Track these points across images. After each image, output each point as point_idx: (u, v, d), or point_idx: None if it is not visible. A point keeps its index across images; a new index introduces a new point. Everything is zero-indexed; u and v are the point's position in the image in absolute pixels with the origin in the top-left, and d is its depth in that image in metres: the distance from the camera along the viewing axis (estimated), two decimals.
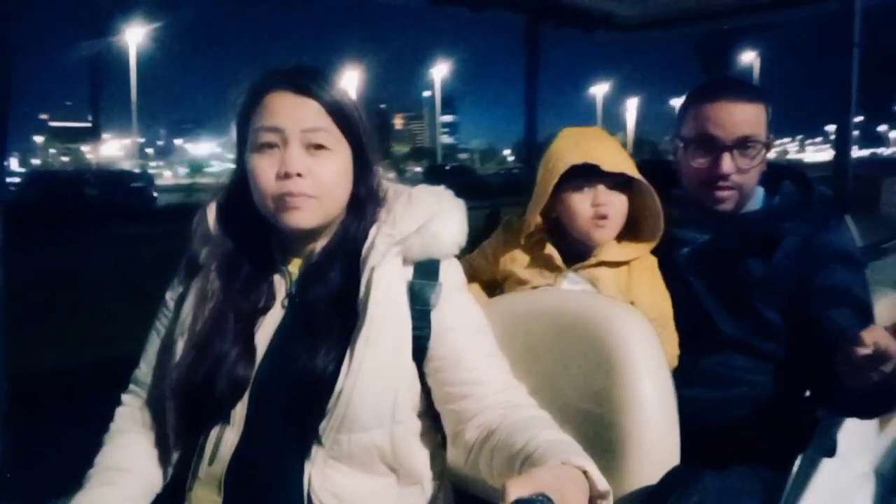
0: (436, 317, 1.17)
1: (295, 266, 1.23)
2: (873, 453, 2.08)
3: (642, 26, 3.01)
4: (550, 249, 1.59)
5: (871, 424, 2.03)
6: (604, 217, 1.55)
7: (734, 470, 1.49)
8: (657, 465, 1.24)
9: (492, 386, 1.16)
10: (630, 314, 1.36)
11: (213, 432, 1.17)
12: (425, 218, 1.19)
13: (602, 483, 0.92)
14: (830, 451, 1.65)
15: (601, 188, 1.55)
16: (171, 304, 1.29)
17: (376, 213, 1.21)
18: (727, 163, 1.54)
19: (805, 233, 1.56)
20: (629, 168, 1.54)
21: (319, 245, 1.22)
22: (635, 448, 1.25)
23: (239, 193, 1.21)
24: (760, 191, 1.66)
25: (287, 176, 1.13)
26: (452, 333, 1.17)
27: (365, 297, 1.13)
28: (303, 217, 1.15)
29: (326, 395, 1.10)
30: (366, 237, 1.19)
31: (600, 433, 1.28)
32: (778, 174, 1.68)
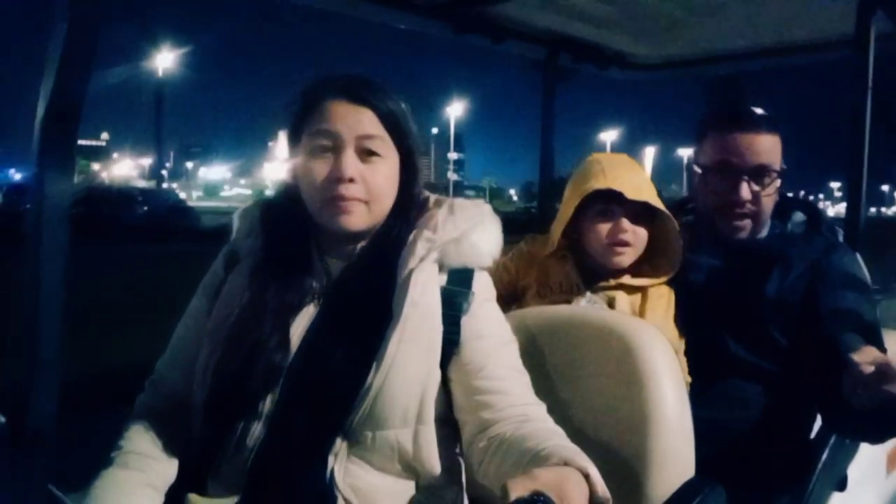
0: (466, 323, 1.19)
1: (333, 265, 1.26)
2: (882, 493, 2.07)
3: (656, 66, 3.05)
4: (570, 268, 1.63)
5: (881, 463, 2.03)
6: (624, 244, 1.59)
7: (749, 486, 1.50)
8: (674, 477, 1.26)
9: (511, 398, 1.17)
10: (648, 330, 1.40)
11: (240, 423, 1.17)
12: (466, 227, 1.23)
13: (602, 488, 0.93)
14: (841, 485, 1.65)
15: (623, 216, 1.59)
16: (205, 295, 1.31)
17: (417, 218, 1.25)
18: (745, 190, 1.60)
19: (814, 258, 1.61)
20: (652, 198, 1.58)
21: (359, 246, 1.25)
22: (653, 460, 1.27)
23: (289, 194, 1.26)
24: (773, 222, 1.72)
25: (340, 180, 1.17)
26: (480, 342, 1.19)
27: (401, 297, 1.16)
28: (352, 220, 1.19)
29: (355, 390, 1.12)
30: (405, 241, 1.22)
31: (618, 446, 1.30)
32: (788, 205, 1.75)
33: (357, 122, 1.19)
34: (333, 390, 1.14)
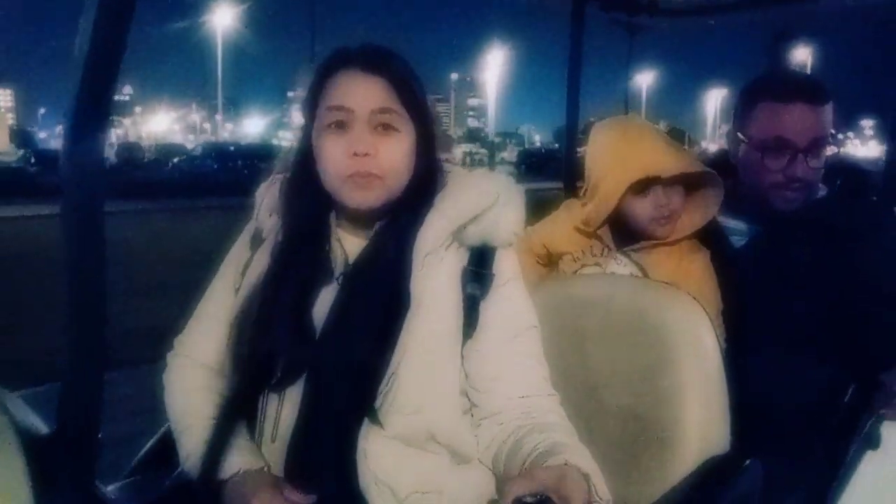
0: (484, 308, 1.18)
1: (352, 244, 1.24)
2: None
3: (688, 12, 2.95)
4: (603, 230, 1.61)
5: None
6: (666, 217, 1.57)
7: (785, 460, 1.50)
8: (705, 451, 1.25)
9: (519, 389, 1.17)
10: (684, 300, 1.37)
11: (272, 406, 1.19)
12: (485, 204, 1.19)
13: (602, 487, 0.94)
14: (875, 444, 1.64)
15: (660, 190, 1.56)
16: (230, 273, 1.31)
17: (435, 195, 1.22)
18: (802, 166, 1.54)
19: (860, 227, 1.56)
20: (687, 164, 1.55)
21: (378, 225, 1.23)
22: (687, 432, 1.26)
23: (304, 170, 1.23)
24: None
25: (355, 155, 1.14)
26: (497, 328, 1.18)
27: (420, 279, 1.14)
28: (369, 196, 1.17)
29: (380, 374, 1.11)
30: (423, 219, 1.19)
31: (653, 417, 1.29)
32: (834, 167, 1.70)
33: (371, 94, 1.17)
34: (358, 375, 1.14)
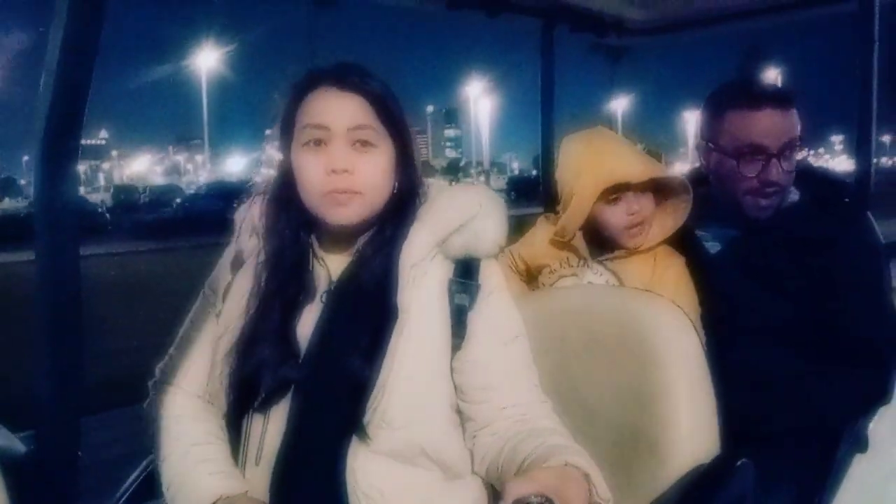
0: (472, 318, 1.17)
1: (334, 262, 1.23)
2: None
3: (654, 30, 3.00)
4: (578, 240, 1.63)
5: None
6: (639, 224, 1.60)
7: (774, 461, 1.49)
8: (696, 456, 1.23)
9: (512, 397, 1.16)
10: (665, 306, 1.37)
11: (257, 427, 1.17)
12: (468, 216, 1.19)
13: (602, 487, 0.93)
14: (863, 447, 1.65)
15: (630, 197, 1.59)
16: (213, 295, 1.30)
17: (417, 208, 1.22)
18: (776, 171, 1.57)
19: (833, 227, 1.59)
20: (655, 171, 1.59)
21: (361, 241, 1.22)
22: (677, 437, 1.25)
23: (284, 189, 1.23)
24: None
25: (333, 172, 1.14)
26: (485, 338, 1.17)
27: (405, 293, 1.14)
28: (348, 213, 1.17)
29: (367, 391, 1.10)
30: (406, 233, 1.19)
31: (641, 424, 1.29)
32: (804, 171, 1.71)
33: (347, 111, 1.17)
34: (345, 392, 1.13)
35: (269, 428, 1.16)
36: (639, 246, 1.63)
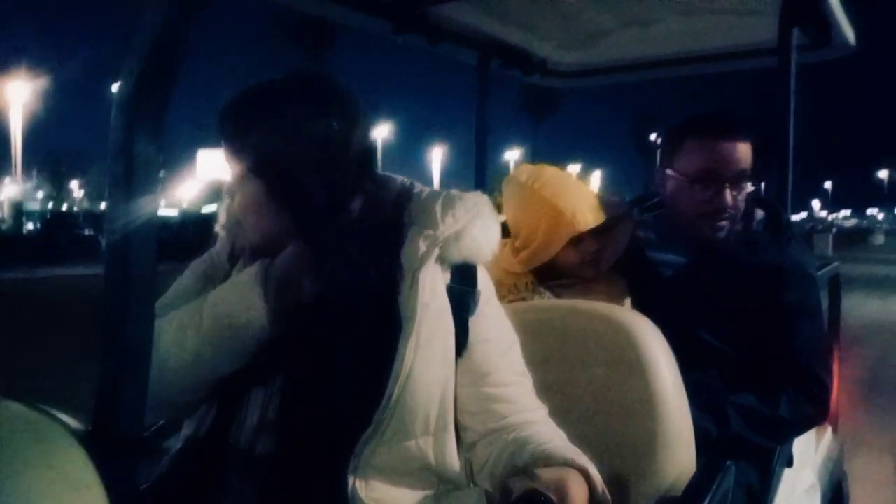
0: (473, 325, 1.14)
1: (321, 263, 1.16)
2: (814, 465, 2.22)
3: (579, 74, 3.10)
4: (526, 272, 1.66)
5: (811, 438, 2.20)
6: (593, 259, 1.69)
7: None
8: (680, 462, 1.28)
9: (514, 406, 1.14)
10: (641, 319, 1.41)
11: (249, 433, 1.10)
12: (466, 220, 1.16)
13: (602, 487, 0.94)
14: (789, 462, 1.79)
15: (588, 239, 1.68)
16: (203, 279, 1.23)
17: (408, 212, 1.18)
18: (729, 197, 1.67)
19: (775, 254, 1.72)
20: (604, 213, 1.69)
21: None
22: (661, 444, 1.29)
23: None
24: None
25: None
26: (487, 345, 1.15)
27: (410, 299, 1.09)
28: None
29: (373, 404, 1.05)
30: (402, 237, 1.15)
31: (625, 431, 1.32)
32: (753, 202, 1.84)
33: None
34: (348, 404, 1.08)
35: (263, 434, 1.10)
36: (596, 275, 1.71)
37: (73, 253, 20.90)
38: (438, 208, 1.18)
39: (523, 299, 1.67)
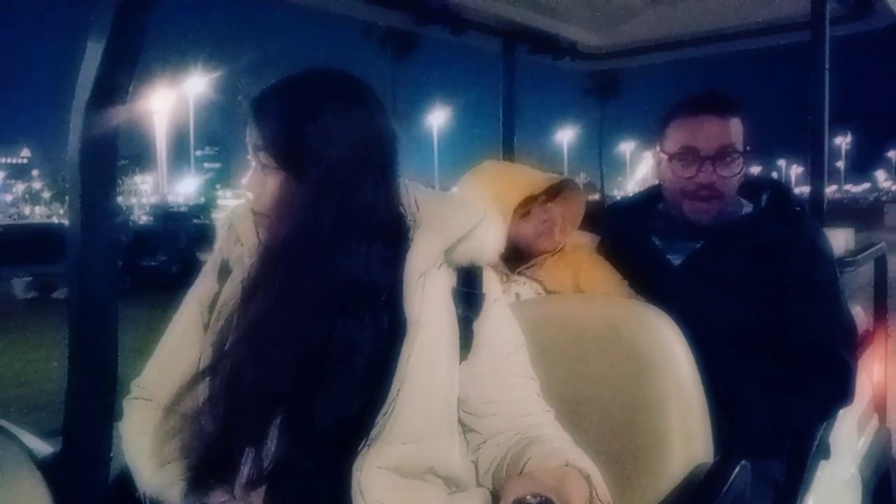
0: (478, 328, 1.13)
1: None
2: (856, 455, 2.15)
3: (610, 55, 3.04)
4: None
5: (853, 428, 2.12)
6: (550, 229, 1.72)
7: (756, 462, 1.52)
8: (691, 460, 1.26)
9: (519, 408, 1.13)
10: (654, 313, 1.39)
11: (254, 446, 1.10)
12: (473, 223, 1.15)
13: (603, 489, 0.93)
14: (826, 454, 1.73)
15: (538, 207, 1.71)
16: (194, 309, 1.23)
17: (415, 215, 1.17)
18: (708, 172, 1.64)
19: (786, 233, 1.67)
20: (552, 178, 1.73)
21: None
22: (675, 440, 1.27)
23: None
24: (742, 200, 1.78)
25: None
26: (492, 348, 1.14)
27: (415, 302, 1.09)
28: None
29: (377, 407, 1.05)
30: (409, 240, 1.14)
31: (639, 428, 1.30)
32: (758, 184, 1.81)
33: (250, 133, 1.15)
34: (354, 406, 1.07)
35: (269, 440, 1.09)
36: (556, 246, 1.74)
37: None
38: (444, 212, 1.17)
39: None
